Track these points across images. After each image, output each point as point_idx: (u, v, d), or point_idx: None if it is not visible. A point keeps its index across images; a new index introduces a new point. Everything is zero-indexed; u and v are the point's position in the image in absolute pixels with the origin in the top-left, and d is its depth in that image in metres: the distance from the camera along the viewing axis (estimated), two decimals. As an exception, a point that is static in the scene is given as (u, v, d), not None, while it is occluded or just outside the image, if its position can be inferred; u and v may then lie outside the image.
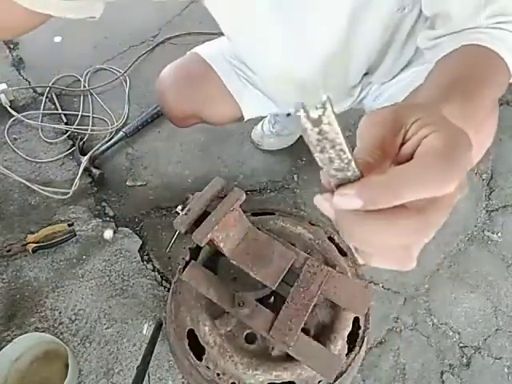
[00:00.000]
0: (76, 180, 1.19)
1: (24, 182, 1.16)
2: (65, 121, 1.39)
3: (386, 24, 0.68)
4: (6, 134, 1.31)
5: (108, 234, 1.12)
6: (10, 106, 1.36)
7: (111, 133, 1.36)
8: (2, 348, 0.86)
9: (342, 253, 0.84)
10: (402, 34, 0.71)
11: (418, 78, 0.71)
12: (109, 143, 1.31)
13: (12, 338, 0.88)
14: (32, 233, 1.09)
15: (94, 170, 1.24)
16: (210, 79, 0.89)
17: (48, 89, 1.45)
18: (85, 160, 1.23)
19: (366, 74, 0.87)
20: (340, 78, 0.80)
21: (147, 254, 1.11)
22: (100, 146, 1.30)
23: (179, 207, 1.19)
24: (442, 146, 0.28)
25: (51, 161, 1.28)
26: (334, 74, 0.78)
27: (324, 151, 0.27)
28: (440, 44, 0.57)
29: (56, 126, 1.36)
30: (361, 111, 0.95)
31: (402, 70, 0.80)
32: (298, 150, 1.33)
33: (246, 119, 0.98)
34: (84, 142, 1.32)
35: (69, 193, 1.15)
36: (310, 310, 0.67)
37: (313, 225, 0.87)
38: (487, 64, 0.49)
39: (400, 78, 0.80)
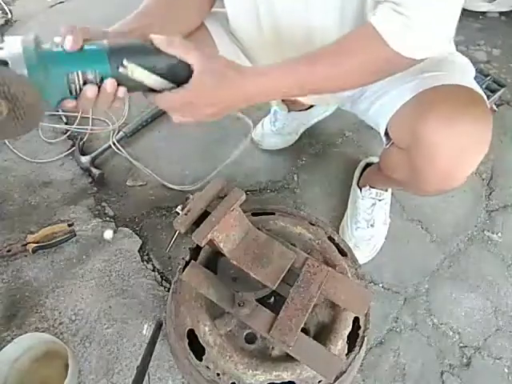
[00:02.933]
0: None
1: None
2: (65, 121, 1.39)
3: None
4: (6, 134, 1.31)
5: (108, 234, 1.12)
6: (10, 106, 1.36)
7: (111, 133, 1.36)
8: (2, 348, 0.86)
9: (342, 253, 0.84)
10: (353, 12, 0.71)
11: (423, 84, 0.71)
12: (109, 143, 1.31)
13: (12, 338, 0.88)
14: (32, 233, 1.09)
15: (94, 170, 1.24)
16: (202, 39, 0.87)
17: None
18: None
19: None
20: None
21: (147, 254, 1.11)
22: (100, 146, 1.30)
23: (179, 207, 1.19)
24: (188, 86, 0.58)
25: (51, 161, 1.28)
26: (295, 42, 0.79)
27: None
28: None
29: (56, 125, 1.37)
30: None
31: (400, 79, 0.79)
32: (298, 150, 1.33)
33: None
34: (84, 142, 1.32)
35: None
36: (309, 310, 0.68)
37: (313, 225, 0.87)
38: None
39: (399, 84, 0.79)
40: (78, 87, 0.53)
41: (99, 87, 0.54)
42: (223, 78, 0.60)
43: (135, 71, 0.54)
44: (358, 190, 1.13)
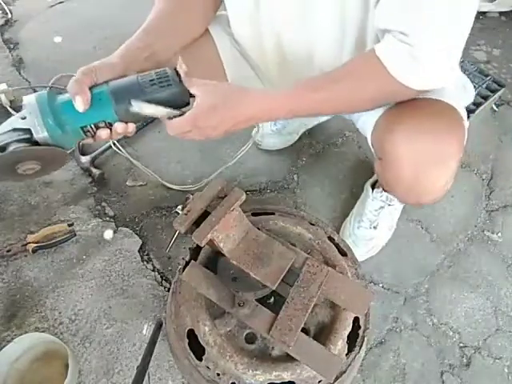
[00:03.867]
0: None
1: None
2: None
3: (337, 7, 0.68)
4: (6, 134, 1.31)
5: (108, 234, 1.12)
6: (9, 106, 1.36)
7: (111, 133, 1.36)
8: (2, 348, 0.86)
9: (342, 253, 0.84)
10: (354, 30, 0.71)
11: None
12: (109, 143, 1.31)
13: (12, 338, 0.88)
14: (32, 233, 1.09)
15: (94, 170, 1.24)
16: (203, 42, 0.87)
17: (48, 89, 1.45)
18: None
19: None
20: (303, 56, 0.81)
21: (147, 254, 1.11)
22: (100, 146, 1.30)
23: (179, 207, 1.19)
24: (190, 113, 0.63)
25: (51, 161, 1.28)
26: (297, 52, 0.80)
27: None
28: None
29: (56, 125, 1.37)
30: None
31: None
32: (298, 150, 1.33)
33: None
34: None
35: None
36: (309, 310, 0.67)
37: (313, 225, 0.87)
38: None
39: None
40: (92, 132, 0.62)
41: (111, 128, 0.62)
42: (226, 99, 0.62)
43: (143, 107, 0.60)
44: (370, 190, 1.11)
